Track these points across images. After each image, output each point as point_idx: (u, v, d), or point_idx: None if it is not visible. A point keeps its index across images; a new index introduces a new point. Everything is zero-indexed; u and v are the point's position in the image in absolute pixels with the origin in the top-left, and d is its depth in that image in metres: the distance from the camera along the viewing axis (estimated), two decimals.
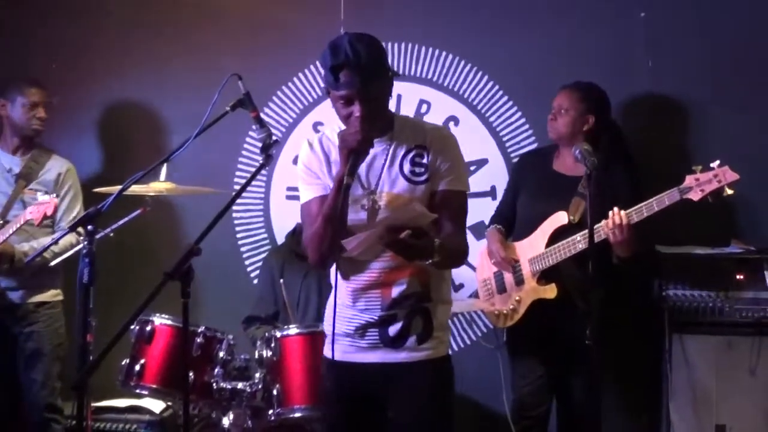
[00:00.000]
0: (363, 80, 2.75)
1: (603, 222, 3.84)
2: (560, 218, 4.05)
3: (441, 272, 2.97)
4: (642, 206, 3.82)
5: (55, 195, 4.31)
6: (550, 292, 4.05)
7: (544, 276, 4.09)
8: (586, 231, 3.73)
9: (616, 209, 3.83)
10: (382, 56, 2.86)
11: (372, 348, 2.93)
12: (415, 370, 2.92)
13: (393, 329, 2.90)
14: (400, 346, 2.91)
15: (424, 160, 2.89)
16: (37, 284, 4.50)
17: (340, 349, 2.99)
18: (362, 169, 2.89)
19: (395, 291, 2.91)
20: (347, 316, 2.96)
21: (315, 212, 2.89)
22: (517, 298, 4.16)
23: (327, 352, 3.03)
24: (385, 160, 2.90)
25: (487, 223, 4.42)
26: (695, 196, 3.76)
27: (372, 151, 2.86)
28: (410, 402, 2.93)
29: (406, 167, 2.89)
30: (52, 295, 4.55)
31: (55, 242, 3.88)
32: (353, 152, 2.73)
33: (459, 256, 2.98)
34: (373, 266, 2.90)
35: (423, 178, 2.88)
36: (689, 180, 3.78)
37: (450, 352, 3.06)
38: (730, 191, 3.75)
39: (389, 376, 2.93)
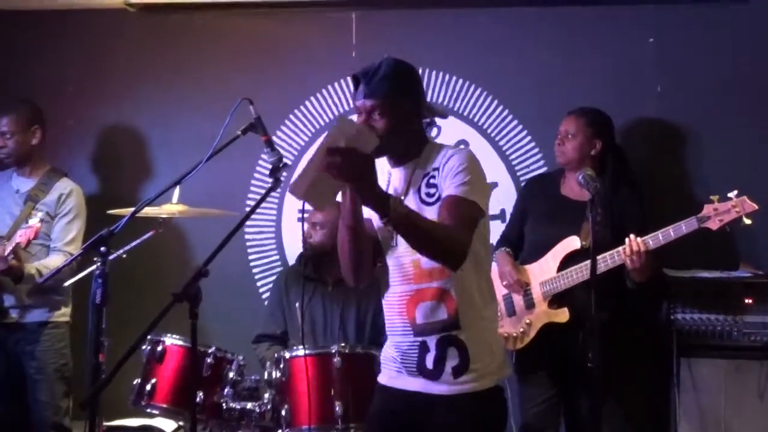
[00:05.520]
0: (368, 94, 2.82)
1: (620, 248, 3.89)
2: (573, 243, 4.08)
3: (470, 299, 2.88)
4: (659, 233, 3.86)
5: (39, 219, 4.31)
6: (562, 316, 4.07)
7: (556, 300, 4.12)
8: (602, 255, 3.81)
9: (632, 236, 3.87)
10: (401, 79, 2.89)
11: (413, 376, 2.91)
12: (455, 404, 2.85)
13: (429, 359, 2.87)
14: (437, 378, 2.86)
15: (436, 181, 2.88)
16: (40, 304, 4.52)
17: (387, 374, 3.01)
18: (390, 192, 2.91)
19: (419, 316, 2.88)
20: (392, 340, 2.98)
21: None
22: (528, 321, 4.17)
23: (379, 377, 3.07)
24: (406, 185, 2.93)
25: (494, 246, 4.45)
26: (713, 225, 3.80)
27: (399, 175, 2.95)
28: None
29: (423, 190, 2.90)
30: (57, 315, 4.57)
31: (69, 263, 3.92)
32: None
33: (444, 244, 2.73)
34: (398, 289, 2.92)
35: (435, 199, 2.87)
36: (707, 209, 3.82)
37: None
38: (748, 221, 3.80)
39: (430, 407, 2.87)
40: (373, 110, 2.83)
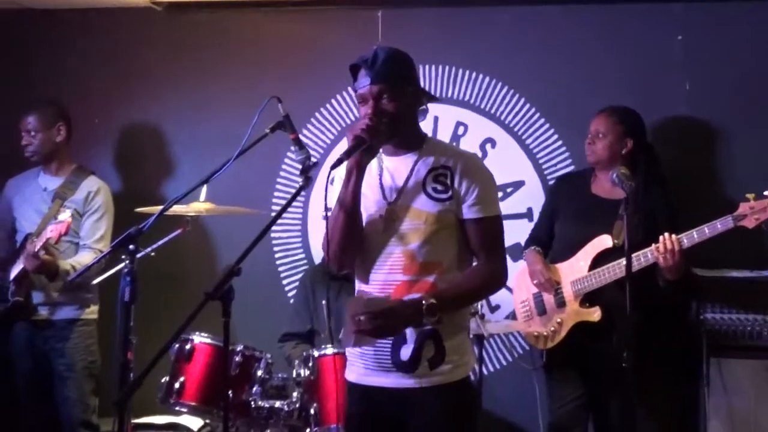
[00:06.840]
0: (375, 79, 2.85)
1: (653, 246, 3.86)
2: (604, 241, 4.05)
3: None
4: (693, 232, 3.83)
5: (70, 214, 4.29)
6: (594, 315, 4.05)
7: (587, 299, 4.10)
8: (635, 254, 3.76)
9: (667, 234, 3.84)
10: (401, 64, 2.93)
11: (385, 371, 2.89)
12: (429, 396, 2.86)
13: (405, 353, 2.85)
14: (412, 370, 2.85)
15: (448, 181, 2.90)
16: (70, 301, 4.54)
17: (356, 371, 2.98)
18: (385, 179, 2.95)
19: None
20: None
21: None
22: (559, 320, 4.16)
23: (346, 373, 3.05)
24: (409, 175, 2.93)
25: (523, 245, 4.44)
26: (750, 223, 3.77)
27: (397, 164, 2.95)
28: (427, 428, 2.89)
29: (429, 184, 2.90)
30: (87, 312, 4.59)
31: (98, 261, 3.94)
32: (357, 138, 2.79)
33: (488, 286, 3.01)
34: (381, 280, 2.91)
35: (444, 196, 2.89)
36: (743, 207, 3.78)
37: (472, 374, 2.99)
38: None
39: (404, 401, 2.88)
40: (381, 94, 2.86)
